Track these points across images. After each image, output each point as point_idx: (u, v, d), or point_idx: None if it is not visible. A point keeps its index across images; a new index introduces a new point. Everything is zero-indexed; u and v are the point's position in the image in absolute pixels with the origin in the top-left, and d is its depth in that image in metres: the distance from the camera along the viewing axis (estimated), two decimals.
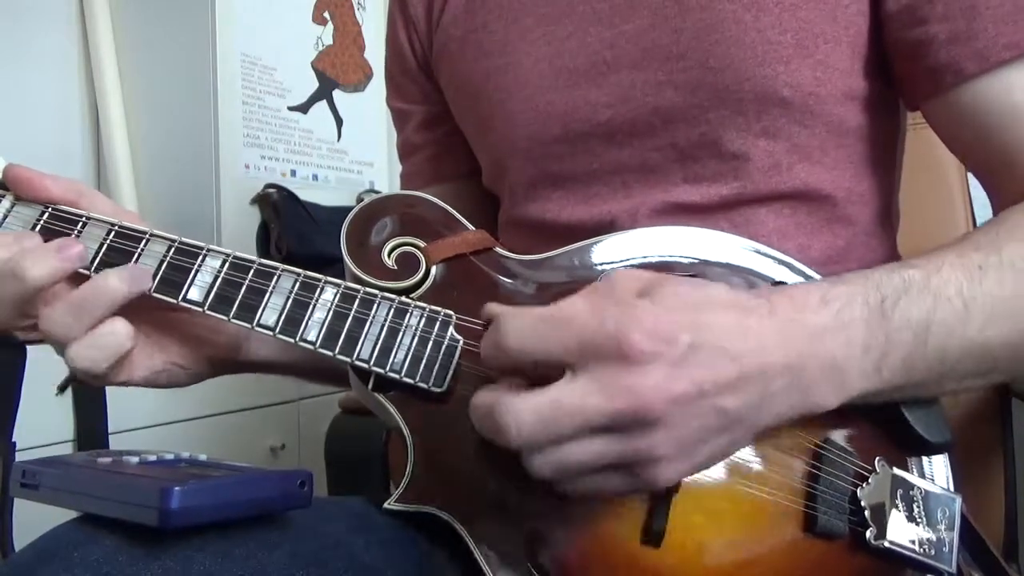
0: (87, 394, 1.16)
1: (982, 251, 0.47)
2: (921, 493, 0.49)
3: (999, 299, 0.46)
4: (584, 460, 0.39)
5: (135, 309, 0.53)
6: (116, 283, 0.47)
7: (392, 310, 0.50)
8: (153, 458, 0.50)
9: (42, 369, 1.01)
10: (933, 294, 0.45)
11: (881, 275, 0.46)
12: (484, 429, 0.40)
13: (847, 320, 0.44)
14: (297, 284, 0.50)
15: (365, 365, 0.49)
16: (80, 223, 0.50)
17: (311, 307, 0.50)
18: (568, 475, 0.40)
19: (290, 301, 0.50)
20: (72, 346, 0.47)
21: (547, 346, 0.39)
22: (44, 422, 1.07)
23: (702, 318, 0.40)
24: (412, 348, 0.49)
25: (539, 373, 0.40)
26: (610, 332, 0.38)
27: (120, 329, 0.48)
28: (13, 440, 0.99)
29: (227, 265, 0.50)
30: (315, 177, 1.69)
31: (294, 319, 0.49)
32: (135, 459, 0.49)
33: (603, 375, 0.38)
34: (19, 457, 0.99)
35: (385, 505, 0.48)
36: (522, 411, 0.38)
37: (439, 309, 0.51)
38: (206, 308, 0.49)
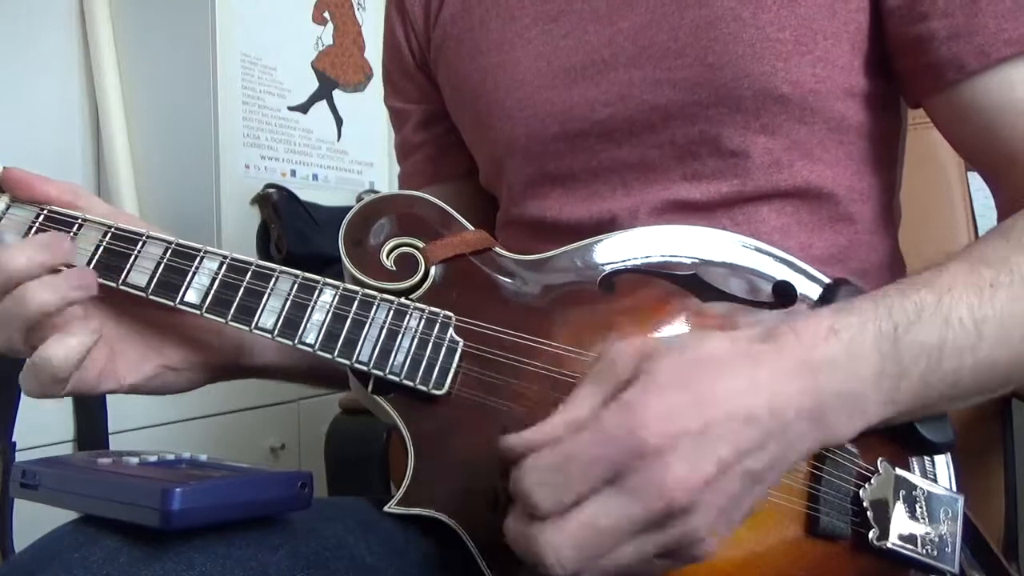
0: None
1: (992, 267, 0.46)
2: (923, 493, 0.49)
3: (1010, 317, 0.45)
4: (629, 561, 0.38)
5: (129, 311, 0.53)
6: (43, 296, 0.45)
7: (391, 312, 0.50)
8: (153, 459, 0.50)
9: None
10: (944, 317, 0.44)
11: (893, 300, 0.45)
12: (522, 556, 0.39)
13: (859, 351, 0.43)
14: (295, 286, 0.50)
15: (365, 368, 0.49)
16: (76, 225, 0.50)
17: (309, 309, 0.49)
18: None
19: (288, 303, 0.49)
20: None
21: (574, 490, 0.37)
22: (44, 422, 1.07)
23: (709, 389, 0.39)
24: (412, 350, 0.49)
25: None
26: (619, 438, 0.37)
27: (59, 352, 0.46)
28: (13, 440, 0.99)
29: (224, 267, 0.50)
30: (315, 177, 1.68)
31: (292, 321, 0.49)
32: (135, 460, 0.49)
33: (628, 482, 0.37)
34: (19, 457, 0.99)
35: (386, 508, 0.48)
36: (560, 544, 0.37)
37: (438, 311, 0.50)
38: (203, 311, 0.49)
